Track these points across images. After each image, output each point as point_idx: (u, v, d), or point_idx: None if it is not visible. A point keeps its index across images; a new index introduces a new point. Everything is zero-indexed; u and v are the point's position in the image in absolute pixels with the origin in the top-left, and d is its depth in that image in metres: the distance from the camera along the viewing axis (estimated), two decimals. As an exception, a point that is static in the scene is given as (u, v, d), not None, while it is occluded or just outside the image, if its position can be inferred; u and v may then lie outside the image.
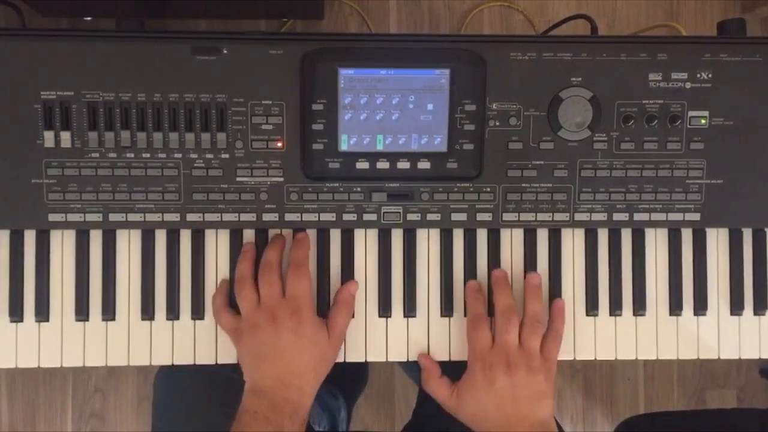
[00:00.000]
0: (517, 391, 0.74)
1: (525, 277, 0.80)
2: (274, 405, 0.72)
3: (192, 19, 1.25)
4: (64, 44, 0.74)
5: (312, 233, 0.80)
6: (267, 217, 0.78)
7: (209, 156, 0.76)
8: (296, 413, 0.73)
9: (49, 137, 0.75)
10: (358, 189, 0.78)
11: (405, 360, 0.81)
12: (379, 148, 0.77)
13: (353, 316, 0.79)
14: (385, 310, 0.80)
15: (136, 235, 0.79)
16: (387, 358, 0.81)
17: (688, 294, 0.82)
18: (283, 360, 0.73)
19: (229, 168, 0.77)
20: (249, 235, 0.79)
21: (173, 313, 0.79)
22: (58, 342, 0.79)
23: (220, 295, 0.78)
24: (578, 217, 0.79)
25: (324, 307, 0.79)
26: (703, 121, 0.78)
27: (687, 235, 0.82)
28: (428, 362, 0.80)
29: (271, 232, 0.79)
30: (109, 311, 0.78)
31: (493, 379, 0.74)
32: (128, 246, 0.79)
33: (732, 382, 1.55)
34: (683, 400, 1.55)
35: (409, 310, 0.80)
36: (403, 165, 0.77)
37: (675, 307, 0.81)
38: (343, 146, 0.77)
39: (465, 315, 0.80)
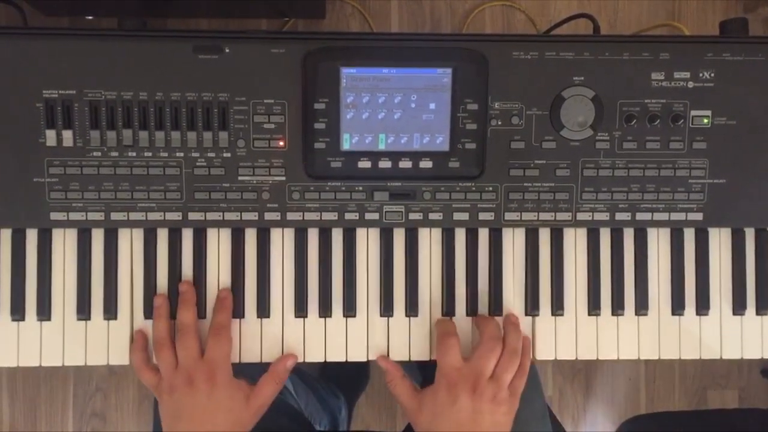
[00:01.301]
0: (478, 417, 0.73)
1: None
2: None
3: (194, 19, 1.24)
4: (66, 43, 0.74)
5: (314, 232, 0.80)
6: (269, 216, 0.78)
7: (211, 155, 0.76)
8: None
9: (51, 136, 0.75)
10: (360, 188, 0.78)
11: (407, 360, 0.81)
12: (381, 147, 0.77)
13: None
14: (386, 309, 0.80)
15: (138, 234, 0.79)
16: (389, 357, 0.80)
17: (690, 294, 0.82)
18: (198, 422, 0.73)
19: (231, 167, 0.77)
20: (251, 233, 0.79)
21: (175, 312, 0.78)
22: (60, 341, 0.79)
23: (139, 351, 0.78)
24: (580, 216, 0.79)
25: (324, 306, 0.79)
26: (705, 121, 0.78)
27: (689, 235, 0.82)
28: (389, 364, 0.79)
29: (273, 231, 0.79)
30: (110, 310, 0.78)
31: (455, 397, 0.73)
32: (130, 245, 0.79)
33: (733, 383, 1.55)
34: (685, 400, 1.55)
35: (411, 309, 0.80)
36: (405, 164, 0.77)
37: (677, 307, 0.81)
38: (345, 145, 0.77)
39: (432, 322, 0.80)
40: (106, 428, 1.47)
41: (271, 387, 0.78)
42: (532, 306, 0.81)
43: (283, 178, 0.77)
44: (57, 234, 0.78)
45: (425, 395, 0.76)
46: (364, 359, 0.80)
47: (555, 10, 1.31)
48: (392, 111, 0.76)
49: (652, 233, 0.81)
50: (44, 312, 0.78)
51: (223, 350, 0.76)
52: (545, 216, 0.79)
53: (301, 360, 0.80)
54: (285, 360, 0.79)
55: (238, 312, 0.79)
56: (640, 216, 0.79)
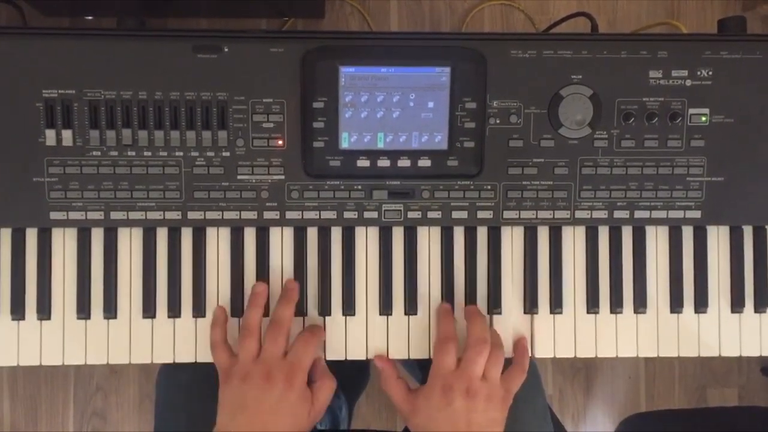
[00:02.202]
0: (472, 416, 0.73)
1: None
2: None
3: (193, 18, 1.25)
4: (65, 43, 0.74)
5: (313, 231, 0.80)
6: (268, 215, 0.78)
7: (210, 154, 0.76)
8: None
9: (50, 135, 0.75)
10: (359, 187, 0.78)
11: (406, 358, 0.81)
12: (380, 146, 0.77)
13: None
14: (386, 308, 0.80)
15: (137, 234, 0.79)
16: (388, 356, 0.81)
17: (688, 291, 0.82)
18: (262, 419, 0.72)
19: (230, 166, 0.77)
20: (250, 232, 0.79)
21: (174, 311, 0.79)
22: (60, 340, 0.79)
23: (219, 329, 0.78)
24: (579, 214, 0.80)
25: (323, 305, 0.80)
26: (703, 119, 0.78)
27: (688, 233, 0.82)
28: (385, 364, 0.79)
29: (272, 230, 0.80)
30: (110, 309, 0.78)
31: (451, 399, 0.73)
32: (129, 244, 0.79)
33: (733, 381, 1.55)
34: (684, 399, 1.55)
35: (410, 308, 0.80)
36: (404, 163, 0.77)
37: (676, 305, 0.81)
38: (344, 144, 0.77)
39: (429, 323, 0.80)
40: (107, 428, 1.47)
41: (326, 392, 0.77)
42: (530, 304, 0.81)
43: (282, 177, 0.77)
44: (57, 233, 0.78)
45: (419, 397, 0.76)
46: (364, 358, 0.81)
47: (554, 9, 1.32)
48: (391, 110, 0.76)
49: (651, 231, 0.82)
50: (44, 311, 0.78)
51: (309, 354, 0.75)
52: (544, 214, 0.79)
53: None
54: (328, 383, 0.78)
55: (237, 311, 0.79)
56: (638, 214, 0.80)
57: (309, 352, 0.75)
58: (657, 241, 0.82)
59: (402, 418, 0.79)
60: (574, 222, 0.80)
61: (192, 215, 0.77)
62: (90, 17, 1.20)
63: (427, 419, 0.74)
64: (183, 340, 0.79)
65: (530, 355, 0.81)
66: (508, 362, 0.78)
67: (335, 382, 0.78)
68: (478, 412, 0.73)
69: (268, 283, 0.79)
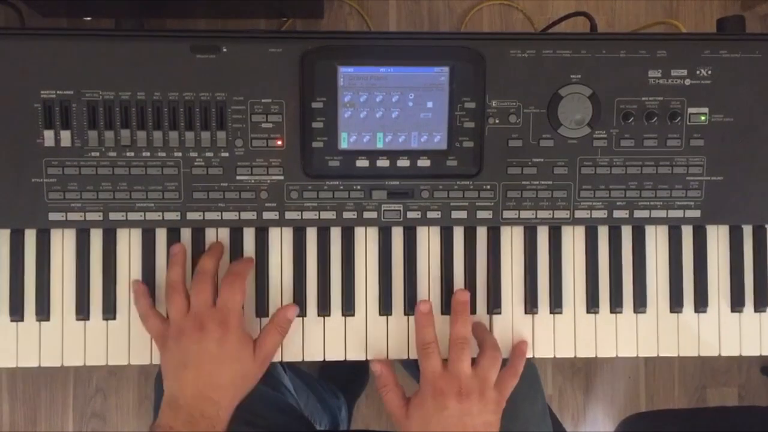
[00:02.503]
0: (466, 419, 0.72)
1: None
2: (190, 420, 0.70)
3: (191, 19, 1.25)
4: (63, 43, 0.74)
5: (312, 231, 0.80)
6: (267, 215, 0.78)
7: (209, 155, 0.76)
8: (213, 429, 0.71)
9: (49, 136, 0.75)
10: (358, 187, 0.78)
11: (406, 358, 0.81)
12: (379, 146, 0.77)
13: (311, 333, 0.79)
14: (385, 308, 0.80)
15: (136, 234, 0.79)
16: (388, 356, 0.81)
17: (688, 291, 0.82)
18: (205, 370, 0.72)
19: (229, 166, 0.77)
20: (249, 233, 0.79)
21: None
22: (59, 341, 0.79)
23: (144, 298, 0.77)
24: (578, 214, 0.79)
25: (323, 305, 0.80)
26: (702, 118, 0.78)
27: (687, 232, 0.82)
28: (384, 369, 0.78)
29: (272, 231, 0.79)
30: (109, 310, 0.78)
31: (444, 405, 0.72)
32: (128, 245, 0.79)
33: (733, 380, 1.55)
34: (684, 398, 1.55)
35: (410, 308, 0.80)
36: (403, 163, 0.77)
37: (675, 304, 0.81)
38: (343, 144, 0.77)
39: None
40: (106, 429, 1.47)
41: (274, 337, 0.76)
42: (530, 304, 0.81)
43: (281, 178, 0.77)
44: (55, 234, 0.78)
45: (412, 404, 0.75)
46: (363, 358, 0.80)
47: (552, 8, 1.31)
48: (390, 110, 0.76)
49: (650, 231, 0.81)
50: (43, 312, 0.78)
51: (237, 298, 0.74)
52: (543, 214, 0.79)
53: (300, 359, 0.80)
54: (287, 310, 0.78)
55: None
56: (638, 213, 0.80)
57: (236, 294, 0.74)
58: (657, 240, 0.82)
59: (396, 425, 0.78)
60: (574, 222, 0.80)
61: (191, 216, 0.77)
62: (88, 18, 1.19)
63: (421, 425, 0.73)
64: (182, 341, 0.79)
65: (530, 355, 0.81)
66: (506, 363, 0.78)
67: (283, 329, 0.77)
68: (472, 415, 0.72)
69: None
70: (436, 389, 0.73)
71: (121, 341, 0.79)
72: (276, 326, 0.77)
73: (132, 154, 0.76)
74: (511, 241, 0.81)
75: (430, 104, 0.76)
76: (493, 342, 0.77)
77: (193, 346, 0.72)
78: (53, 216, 0.76)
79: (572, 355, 0.82)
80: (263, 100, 0.76)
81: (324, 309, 0.80)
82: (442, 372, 0.74)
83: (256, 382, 0.76)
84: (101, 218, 0.77)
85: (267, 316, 0.79)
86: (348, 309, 0.80)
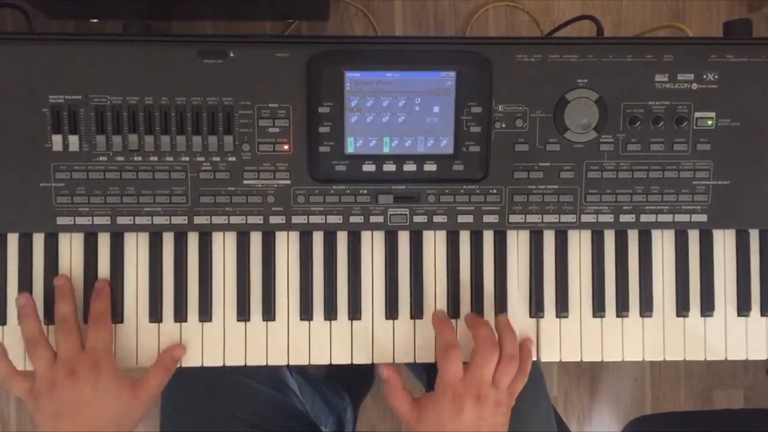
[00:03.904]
0: (481, 423, 0.73)
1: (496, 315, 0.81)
2: None
3: (198, 21, 1.25)
4: (71, 48, 0.74)
5: (318, 235, 0.80)
6: (274, 219, 0.78)
7: (216, 159, 0.77)
8: None
9: (57, 141, 0.75)
10: (365, 191, 0.78)
11: (412, 361, 0.81)
12: (386, 150, 0.77)
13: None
14: (391, 312, 0.80)
15: (143, 238, 0.79)
16: (394, 360, 0.81)
17: (694, 295, 0.82)
18: (83, 415, 0.71)
19: (236, 171, 0.77)
20: (256, 237, 0.80)
21: (181, 315, 0.79)
22: (67, 344, 0.79)
23: (3, 361, 0.75)
24: (585, 218, 0.79)
25: (329, 309, 0.80)
26: (709, 122, 0.78)
27: (694, 236, 0.82)
28: (391, 373, 0.78)
29: (278, 235, 0.80)
30: (117, 314, 0.79)
31: (461, 408, 0.73)
32: (136, 249, 0.79)
33: (739, 382, 1.55)
34: (690, 400, 1.55)
35: (416, 312, 0.80)
36: (410, 167, 0.77)
37: (682, 308, 0.81)
38: (350, 149, 0.77)
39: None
40: (113, 429, 1.47)
41: (159, 377, 0.76)
42: (536, 308, 0.81)
43: (288, 182, 0.77)
44: (63, 238, 0.79)
45: (426, 406, 0.75)
46: (369, 362, 0.81)
47: (558, 10, 1.31)
48: (396, 114, 0.76)
49: (657, 235, 0.81)
50: (50, 316, 0.78)
51: (105, 339, 0.74)
52: (549, 218, 0.79)
53: (306, 362, 0.80)
54: (173, 349, 0.77)
55: (244, 315, 0.79)
56: (644, 218, 0.80)
57: (103, 334, 0.74)
58: (663, 244, 0.82)
59: (405, 428, 0.78)
60: (580, 226, 0.80)
61: (198, 220, 0.78)
62: (95, 20, 1.20)
63: (436, 427, 0.74)
64: (189, 345, 0.79)
65: (536, 359, 0.81)
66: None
67: (169, 369, 0.77)
68: (486, 419, 0.73)
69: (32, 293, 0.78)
70: (456, 392, 0.73)
71: (128, 344, 0.79)
72: (162, 366, 0.77)
73: (140, 158, 0.76)
74: (517, 245, 0.81)
75: (436, 109, 0.76)
76: (511, 350, 0.77)
77: (67, 393, 0.71)
78: (61, 220, 0.77)
79: (578, 359, 0.82)
80: (270, 105, 0.76)
81: (330, 313, 0.80)
82: (463, 377, 0.74)
83: (141, 419, 0.75)
84: (109, 222, 0.77)
85: (274, 320, 0.79)
86: (354, 313, 0.80)
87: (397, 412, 0.77)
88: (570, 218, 0.79)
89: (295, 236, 0.80)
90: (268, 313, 0.80)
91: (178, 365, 0.78)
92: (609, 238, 0.81)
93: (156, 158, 0.76)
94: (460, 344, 0.76)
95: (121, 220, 0.77)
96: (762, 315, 0.82)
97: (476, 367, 0.74)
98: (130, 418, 0.74)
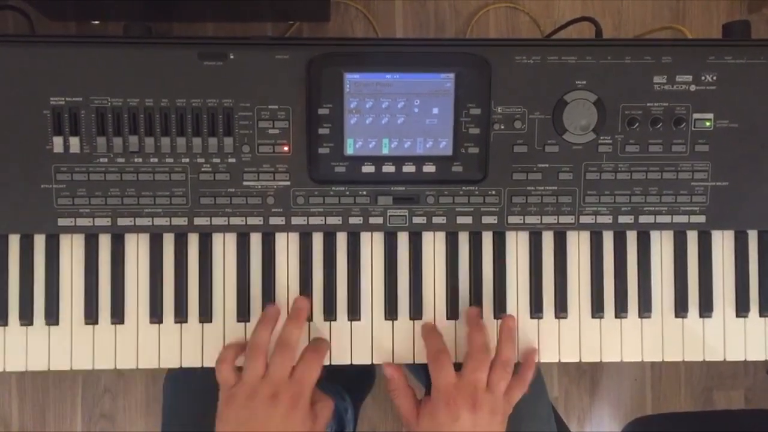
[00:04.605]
0: (477, 430, 0.73)
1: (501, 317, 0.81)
2: None
3: (199, 23, 1.25)
4: (72, 50, 0.75)
5: (318, 237, 0.80)
6: (274, 220, 0.78)
7: (216, 160, 0.77)
8: None
9: (58, 143, 0.75)
10: (364, 192, 0.78)
11: (411, 362, 0.81)
12: (385, 152, 0.77)
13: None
14: (391, 313, 0.80)
15: (144, 239, 0.80)
16: (393, 360, 0.81)
17: (693, 296, 0.82)
18: None
19: (236, 172, 0.77)
20: (256, 238, 0.80)
21: (181, 316, 0.79)
22: (68, 345, 0.79)
23: (233, 349, 0.77)
24: (583, 219, 0.80)
25: (329, 310, 0.80)
26: (707, 124, 0.78)
27: (692, 237, 0.82)
28: (395, 372, 0.79)
29: (278, 236, 0.80)
30: (117, 314, 0.79)
31: (456, 415, 0.73)
32: (136, 250, 0.80)
33: (739, 383, 1.55)
34: (690, 401, 1.55)
35: (415, 312, 0.81)
36: (409, 169, 0.78)
37: (680, 309, 0.81)
38: (349, 150, 0.77)
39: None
40: (115, 429, 1.48)
41: (328, 413, 0.77)
42: (535, 309, 0.81)
43: (288, 183, 0.78)
44: (64, 239, 0.79)
45: (424, 410, 0.76)
46: (369, 362, 0.81)
47: (558, 11, 1.32)
48: (395, 116, 0.77)
49: (655, 236, 0.82)
50: (52, 317, 0.78)
51: (314, 375, 0.75)
52: (548, 219, 0.80)
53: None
54: (330, 401, 0.78)
55: (244, 316, 0.80)
56: (643, 219, 0.80)
57: (314, 371, 0.75)
58: (662, 245, 0.82)
59: (406, 428, 0.78)
60: (579, 227, 0.80)
61: (198, 221, 0.78)
62: (96, 22, 1.20)
63: None
64: (190, 345, 0.80)
65: (535, 360, 0.81)
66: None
67: (333, 402, 0.79)
68: (482, 426, 0.73)
69: (273, 300, 0.80)
70: (449, 399, 0.73)
71: (129, 345, 0.80)
72: (329, 400, 0.78)
73: (140, 160, 0.76)
74: (516, 246, 0.82)
75: (435, 110, 0.77)
76: (507, 356, 0.77)
77: (262, 411, 0.72)
78: (62, 221, 0.77)
79: (577, 360, 0.82)
80: (270, 107, 0.76)
81: (330, 313, 0.80)
82: (456, 382, 0.74)
83: None
84: (109, 223, 0.77)
85: (273, 320, 0.80)
86: (354, 313, 0.80)
87: (399, 411, 0.78)
88: (569, 219, 0.80)
89: (294, 237, 0.80)
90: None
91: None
92: (608, 239, 0.82)
93: (156, 160, 0.77)
94: (449, 349, 0.77)
95: (122, 222, 0.78)
96: (760, 316, 0.82)
97: (470, 371, 0.75)
98: None
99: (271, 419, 0.72)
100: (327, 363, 0.80)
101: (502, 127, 0.77)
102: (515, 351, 0.79)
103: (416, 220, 0.79)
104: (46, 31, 1.18)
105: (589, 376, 1.52)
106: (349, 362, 0.81)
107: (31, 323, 0.79)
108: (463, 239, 0.81)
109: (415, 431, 0.76)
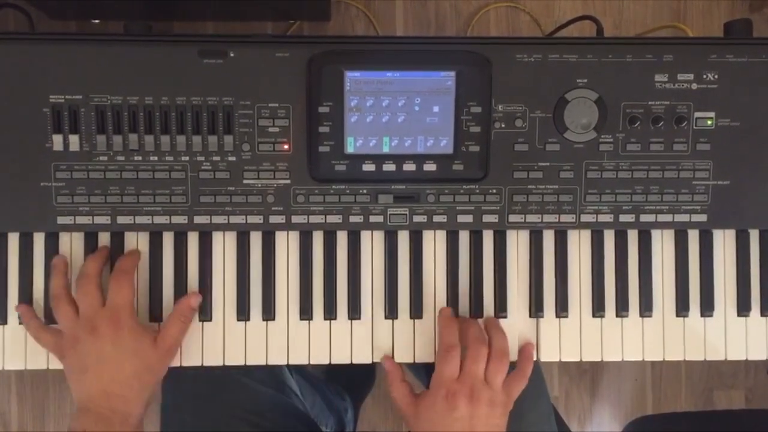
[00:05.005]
0: (474, 422, 0.73)
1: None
2: (100, 418, 0.72)
3: (199, 21, 1.25)
4: (72, 48, 0.74)
5: (318, 235, 0.80)
6: (274, 219, 0.78)
7: (216, 159, 0.77)
8: (126, 421, 0.73)
9: (57, 141, 0.75)
10: (365, 191, 0.78)
11: (412, 361, 0.81)
12: (385, 150, 0.77)
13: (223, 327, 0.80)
14: (391, 312, 0.80)
15: (143, 238, 0.80)
16: (393, 359, 0.81)
17: (694, 295, 0.82)
18: (105, 370, 0.73)
19: (236, 170, 0.77)
20: (256, 236, 0.80)
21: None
22: (67, 344, 0.79)
23: (32, 319, 0.77)
24: (584, 218, 0.79)
25: (329, 309, 0.80)
26: (709, 122, 0.78)
27: (693, 236, 0.82)
28: (392, 365, 0.80)
29: (278, 234, 0.80)
30: (117, 313, 0.79)
31: (454, 406, 0.73)
32: (136, 248, 0.79)
33: (740, 383, 1.55)
34: (691, 401, 1.54)
35: (415, 311, 0.80)
36: (409, 167, 0.77)
37: (681, 309, 0.81)
38: (350, 148, 0.77)
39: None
40: (114, 429, 1.47)
41: (177, 327, 0.77)
42: (536, 308, 0.81)
43: (288, 182, 0.78)
44: (64, 237, 0.79)
45: (422, 403, 0.76)
46: (369, 361, 0.81)
47: (559, 10, 1.31)
48: (396, 114, 0.76)
49: (656, 235, 0.81)
50: (51, 316, 0.78)
51: (126, 294, 0.75)
52: (549, 218, 0.79)
53: (306, 362, 0.81)
54: (189, 298, 0.78)
55: (243, 315, 0.79)
56: (644, 218, 0.80)
57: (123, 290, 0.75)
58: (663, 244, 0.82)
59: (404, 422, 0.79)
60: (580, 226, 0.80)
61: (198, 219, 0.78)
62: (96, 21, 1.20)
63: (430, 426, 0.74)
64: (189, 344, 0.80)
65: (535, 359, 0.81)
66: (511, 367, 0.78)
67: (186, 317, 0.77)
68: (480, 418, 0.73)
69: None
70: (449, 392, 0.74)
71: (128, 344, 0.79)
72: (179, 315, 0.77)
73: (140, 158, 0.76)
74: (517, 245, 0.81)
75: (436, 109, 0.76)
76: (501, 346, 0.77)
77: (90, 349, 0.73)
78: (62, 219, 0.77)
79: (578, 359, 0.82)
80: (270, 105, 0.76)
81: (330, 312, 0.80)
82: (458, 376, 0.75)
83: (164, 371, 0.77)
84: (109, 222, 0.77)
85: (274, 319, 0.79)
86: (354, 312, 0.80)
87: (396, 405, 0.79)
88: (570, 218, 0.79)
89: (294, 236, 0.80)
90: (268, 313, 0.80)
91: (195, 313, 0.79)
92: (609, 238, 0.81)
93: (156, 158, 0.76)
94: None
95: (122, 220, 0.77)
96: (762, 315, 0.82)
97: (468, 363, 0.75)
98: (153, 370, 0.76)
99: (101, 350, 0.73)
100: (327, 362, 0.80)
101: (503, 125, 0.77)
102: (506, 339, 0.78)
103: (417, 218, 0.79)
104: (46, 29, 1.17)
105: (589, 375, 1.52)
106: (349, 361, 0.81)
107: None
108: (464, 238, 0.81)
109: (412, 422, 0.76)
